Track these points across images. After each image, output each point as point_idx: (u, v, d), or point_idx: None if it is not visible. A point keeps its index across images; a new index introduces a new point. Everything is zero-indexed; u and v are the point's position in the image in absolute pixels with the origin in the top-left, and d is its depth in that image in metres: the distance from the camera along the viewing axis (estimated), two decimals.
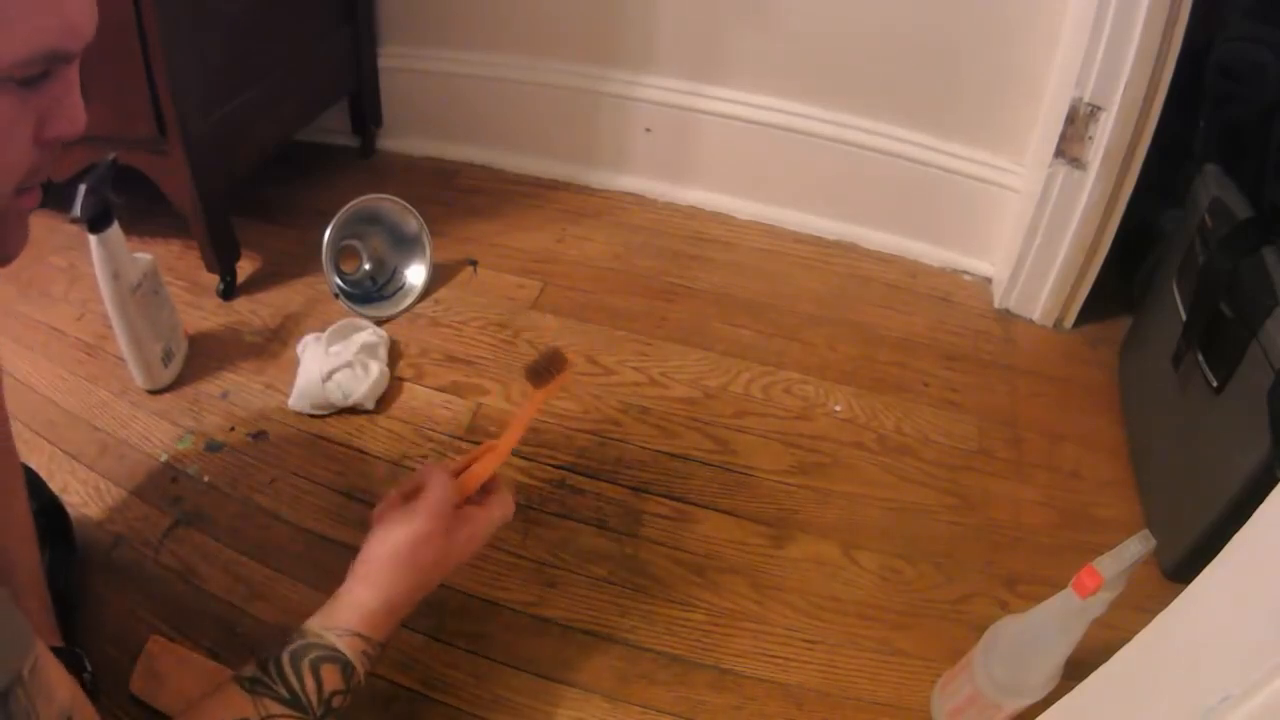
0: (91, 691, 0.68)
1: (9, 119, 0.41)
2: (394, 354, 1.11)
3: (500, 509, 0.69)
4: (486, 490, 0.70)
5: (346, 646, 0.59)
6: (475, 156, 1.52)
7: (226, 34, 1.08)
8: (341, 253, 1.19)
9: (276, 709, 0.53)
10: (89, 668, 0.70)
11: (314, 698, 0.55)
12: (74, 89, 0.45)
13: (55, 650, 0.48)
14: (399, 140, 1.55)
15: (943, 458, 1.02)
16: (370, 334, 1.09)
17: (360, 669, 0.59)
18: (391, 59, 1.47)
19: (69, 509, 0.87)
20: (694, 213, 1.43)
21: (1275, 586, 0.45)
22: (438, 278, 1.24)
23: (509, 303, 1.22)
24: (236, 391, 1.06)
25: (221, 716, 0.52)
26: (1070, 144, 1.11)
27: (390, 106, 1.51)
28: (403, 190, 1.22)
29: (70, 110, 0.44)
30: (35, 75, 0.41)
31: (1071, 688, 0.62)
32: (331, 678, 0.56)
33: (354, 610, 0.60)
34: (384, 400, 1.05)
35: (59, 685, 0.42)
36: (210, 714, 0.52)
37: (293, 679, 0.55)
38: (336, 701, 0.57)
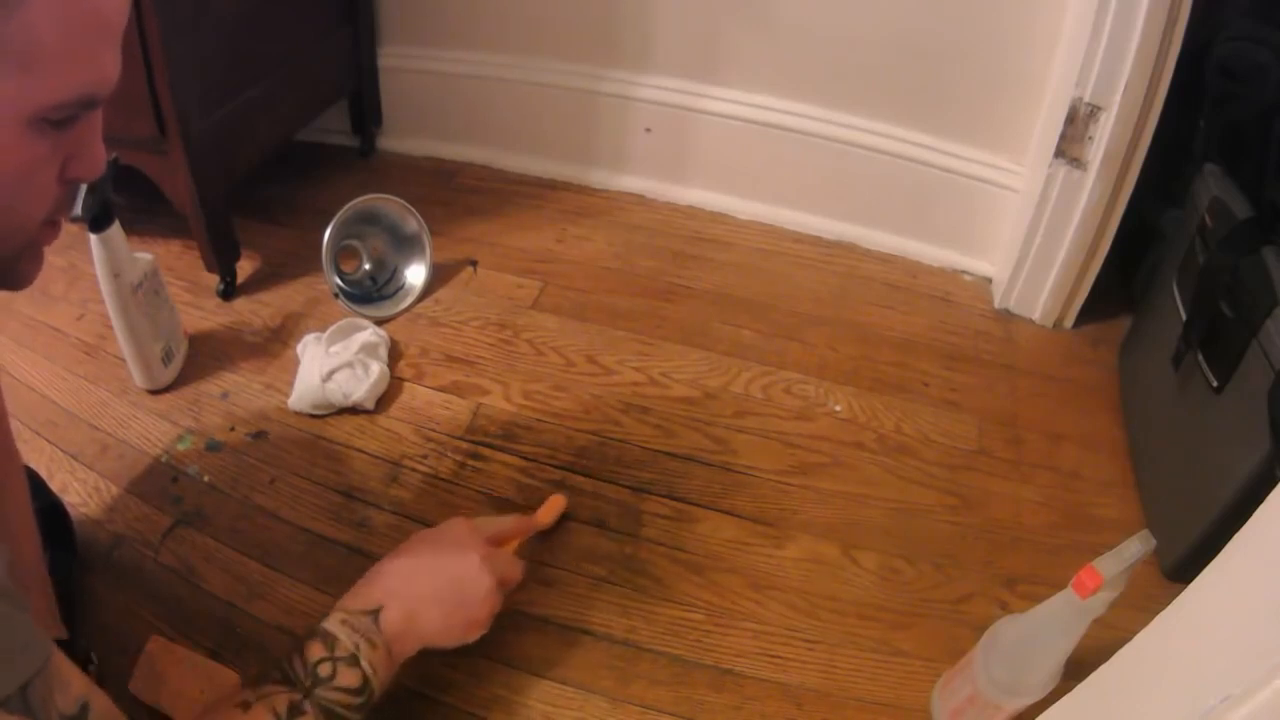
0: (98, 681, 0.70)
1: (41, 157, 0.44)
2: (394, 354, 1.11)
3: (508, 558, 0.77)
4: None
5: (325, 622, 0.64)
6: (475, 156, 1.52)
7: (226, 34, 1.08)
8: (341, 253, 1.19)
9: (270, 688, 0.58)
10: (94, 659, 0.73)
11: (300, 670, 0.60)
12: (97, 134, 0.48)
13: (60, 643, 0.51)
14: (399, 140, 1.55)
15: (943, 458, 1.02)
16: (370, 334, 1.09)
17: (344, 637, 0.62)
18: (391, 59, 1.47)
19: (69, 509, 0.87)
20: (693, 212, 1.43)
21: (1275, 586, 0.45)
22: (438, 278, 1.24)
23: (509, 302, 1.22)
24: (236, 391, 1.06)
25: (225, 709, 0.57)
26: (1070, 144, 1.11)
27: (390, 106, 1.51)
28: (403, 190, 1.22)
29: (92, 153, 0.48)
30: (67, 119, 0.44)
31: (1071, 688, 0.62)
32: (314, 649, 0.61)
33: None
34: (384, 400, 1.05)
35: (72, 677, 0.46)
36: (216, 709, 0.57)
37: (284, 664, 0.61)
38: (323, 670, 0.60)
